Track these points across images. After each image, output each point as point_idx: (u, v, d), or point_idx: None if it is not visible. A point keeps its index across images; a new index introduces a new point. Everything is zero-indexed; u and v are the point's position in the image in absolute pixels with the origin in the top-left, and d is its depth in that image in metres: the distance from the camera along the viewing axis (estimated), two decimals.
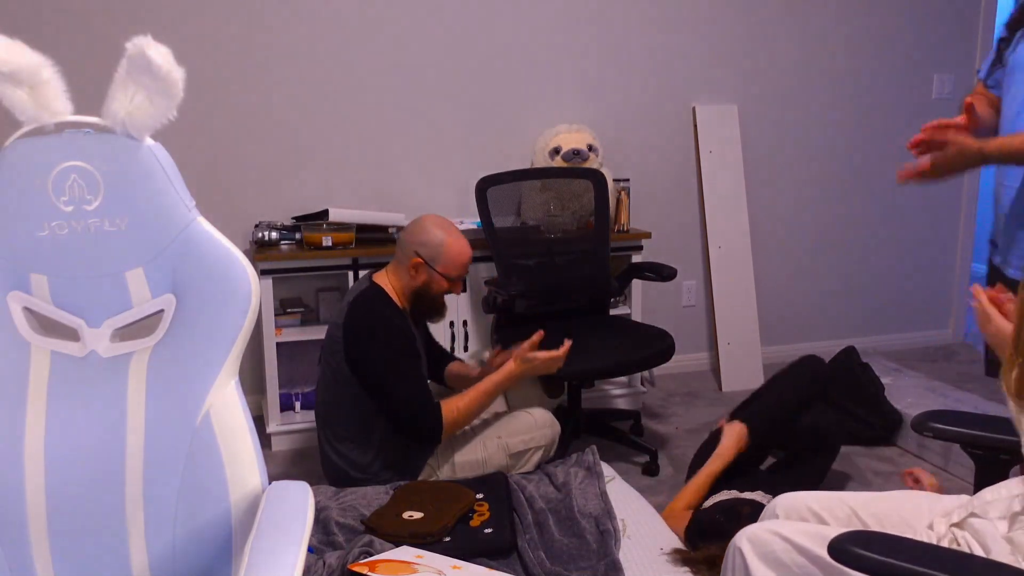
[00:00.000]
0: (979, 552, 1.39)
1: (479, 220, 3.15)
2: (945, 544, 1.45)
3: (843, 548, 1.20)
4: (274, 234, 3.21)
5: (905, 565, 1.15)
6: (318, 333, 2.97)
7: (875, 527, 1.56)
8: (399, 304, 2.51)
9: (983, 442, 1.63)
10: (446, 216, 3.60)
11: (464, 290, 2.65)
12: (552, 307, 3.26)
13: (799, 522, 1.58)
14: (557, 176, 3.34)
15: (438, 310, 2.64)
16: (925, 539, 1.46)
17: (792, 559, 1.45)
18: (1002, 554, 1.35)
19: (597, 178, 3.28)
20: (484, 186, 3.12)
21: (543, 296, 3.24)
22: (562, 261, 3.28)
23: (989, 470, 1.64)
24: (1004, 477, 1.61)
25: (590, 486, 2.21)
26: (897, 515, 1.57)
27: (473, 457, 2.51)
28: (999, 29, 2.17)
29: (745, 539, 1.50)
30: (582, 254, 3.29)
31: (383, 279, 2.54)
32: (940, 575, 1.13)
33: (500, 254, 3.15)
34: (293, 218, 3.32)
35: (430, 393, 2.45)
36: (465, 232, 3.34)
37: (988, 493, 1.49)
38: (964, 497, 1.57)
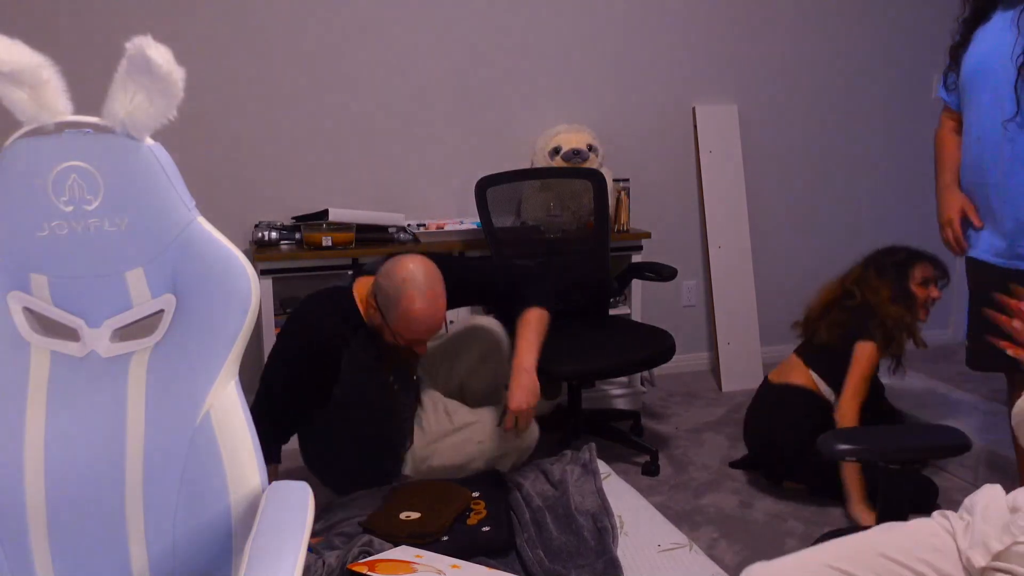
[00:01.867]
0: None
1: (479, 220, 3.15)
2: None
3: None
4: (274, 234, 3.21)
5: None
6: None
7: None
8: (362, 313, 2.28)
9: (891, 456, 1.71)
10: (445, 217, 3.64)
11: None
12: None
13: None
14: (557, 176, 3.34)
15: (396, 358, 2.30)
16: None
17: None
18: None
19: (597, 178, 3.28)
20: (484, 186, 3.13)
21: None
22: (562, 261, 3.28)
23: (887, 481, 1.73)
24: (906, 485, 1.60)
25: (586, 483, 2.21)
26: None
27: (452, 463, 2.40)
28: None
29: None
30: (582, 254, 3.29)
31: (362, 286, 2.31)
32: None
33: (500, 254, 3.15)
34: (293, 218, 3.32)
35: (284, 417, 2.25)
36: (465, 232, 3.38)
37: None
38: (944, 526, 1.37)
